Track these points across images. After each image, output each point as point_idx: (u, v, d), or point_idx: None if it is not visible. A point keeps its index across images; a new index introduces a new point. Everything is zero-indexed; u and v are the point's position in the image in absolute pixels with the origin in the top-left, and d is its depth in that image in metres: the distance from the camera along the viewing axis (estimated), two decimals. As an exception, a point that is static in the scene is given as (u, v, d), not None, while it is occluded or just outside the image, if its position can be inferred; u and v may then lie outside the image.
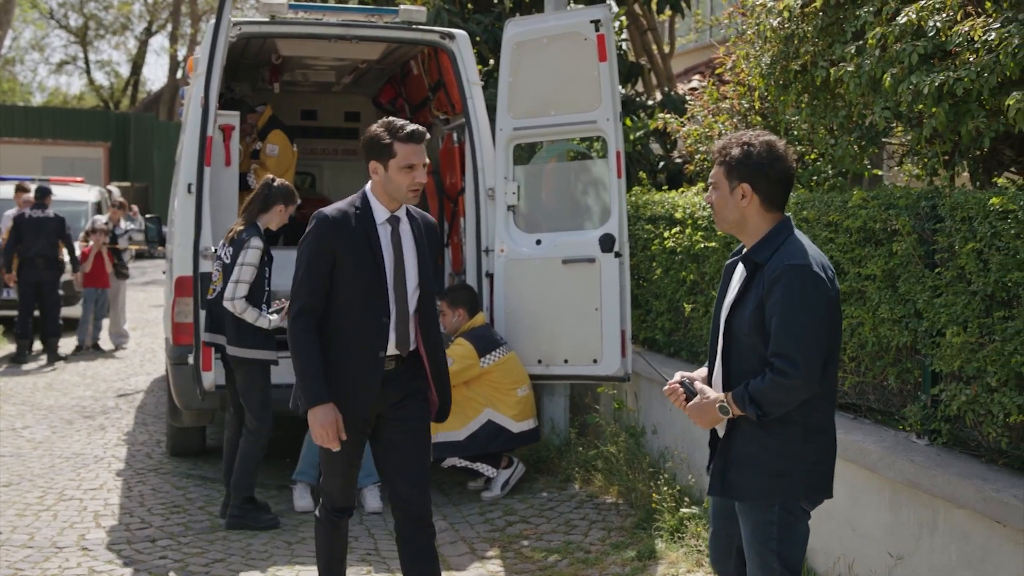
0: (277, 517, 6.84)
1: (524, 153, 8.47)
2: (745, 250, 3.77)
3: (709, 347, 3.90)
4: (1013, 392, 4.27)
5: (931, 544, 4.65)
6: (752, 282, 3.67)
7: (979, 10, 4.68)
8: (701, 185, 7.53)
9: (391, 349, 4.57)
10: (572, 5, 10.40)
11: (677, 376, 3.87)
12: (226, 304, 6.59)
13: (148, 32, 52.27)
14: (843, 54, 5.34)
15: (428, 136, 4.56)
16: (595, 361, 7.51)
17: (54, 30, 54.40)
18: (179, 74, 48.30)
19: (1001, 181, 5.06)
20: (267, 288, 6.75)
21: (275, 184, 6.81)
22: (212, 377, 6.93)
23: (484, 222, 7.92)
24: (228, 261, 6.66)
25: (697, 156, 7.51)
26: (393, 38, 8.36)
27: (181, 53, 49.17)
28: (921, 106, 4.83)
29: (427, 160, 4.52)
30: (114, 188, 23.58)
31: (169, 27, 50.54)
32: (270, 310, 6.71)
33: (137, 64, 53.67)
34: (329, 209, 4.53)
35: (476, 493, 7.54)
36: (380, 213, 4.56)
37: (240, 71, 9.84)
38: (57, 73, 54.06)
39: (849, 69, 5.15)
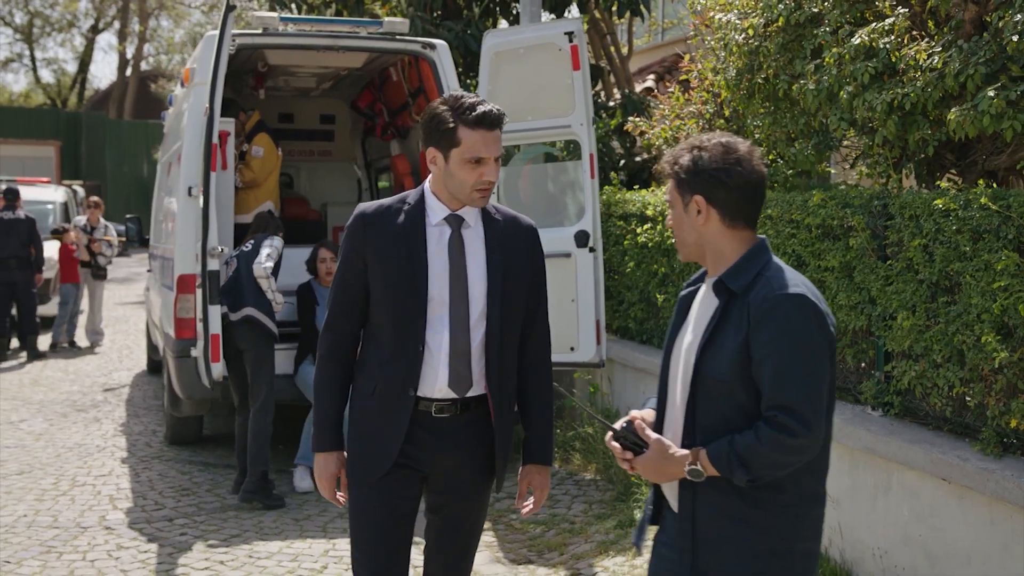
0: (283, 497, 7.38)
1: (503, 156, 9.03)
2: (711, 277, 3.07)
3: (658, 391, 3.16)
4: (955, 367, 4.91)
5: (886, 503, 5.28)
6: (727, 316, 2.93)
7: (923, 33, 5.33)
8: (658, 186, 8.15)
9: (438, 390, 3.52)
10: (544, 15, 10.98)
11: (619, 423, 3.10)
12: (255, 268, 7.48)
13: (95, 29, 52.08)
14: (803, 69, 5.96)
15: (506, 120, 3.53)
16: (572, 349, 8.05)
17: (-1, 28, 54.15)
18: (128, 73, 48.30)
19: (943, 184, 5.69)
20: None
21: (267, 211, 7.66)
22: (220, 368, 7.43)
23: (465, 220, 8.45)
24: (248, 249, 7.47)
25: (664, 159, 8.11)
26: (377, 48, 8.89)
27: (129, 51, 49.18)
28: (873, 116, 5.46)
29: (502, 151, 3.54)
30: (79, 188, 23.79)
31: (117, 24, 50.52)
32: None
33: (84, 62, 53.47)
34: (369, 203, 3.66)
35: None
36: (436, 211, 3.55)
37: (228, 78, 10.30)
38: (2, 71, 53.56)
39: (810, 87, 5.77)
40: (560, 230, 8.20)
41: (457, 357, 3.51)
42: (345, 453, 3.65)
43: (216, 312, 7.32)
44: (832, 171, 7.85)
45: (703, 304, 3.08)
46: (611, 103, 12.51)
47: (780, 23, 6.15)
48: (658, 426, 3.12)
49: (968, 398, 4.93)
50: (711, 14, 6.87)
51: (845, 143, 6.94)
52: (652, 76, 17.22)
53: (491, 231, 3.58)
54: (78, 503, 7.30)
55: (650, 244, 7.82)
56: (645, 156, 11.04)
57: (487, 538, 6.70)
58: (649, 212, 7.84)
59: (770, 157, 7.26)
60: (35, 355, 13.83)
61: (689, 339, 3.04)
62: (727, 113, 7.24)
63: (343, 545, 6.47)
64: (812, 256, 5.89)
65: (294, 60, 9.64)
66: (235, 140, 8.73)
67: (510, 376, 3.63)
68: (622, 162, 11.42)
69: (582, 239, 7.99)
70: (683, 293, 3.22)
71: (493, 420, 3.58)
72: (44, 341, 14.85)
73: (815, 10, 5.96)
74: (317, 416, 3.66)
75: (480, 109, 3.43)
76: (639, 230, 7.89)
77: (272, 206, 9.29)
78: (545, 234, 8.12)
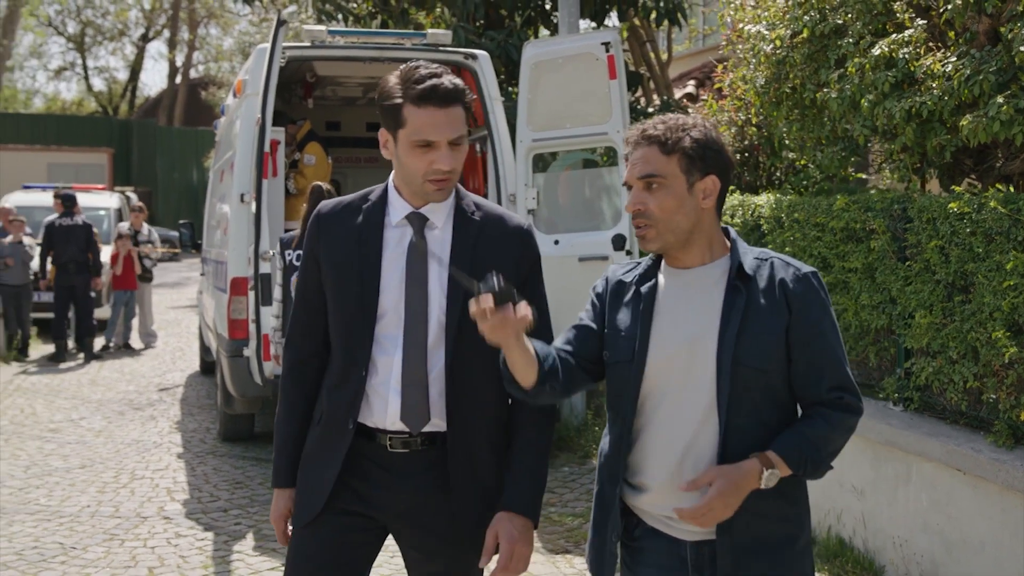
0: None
1: (542, 162, 9.33)
2: (686, 265, 2.79)
3: (623, 405, 2.79)
4: (970, 363, 5.15)
5: (906, 493, 5.52)
6: (752, 302, 2.70)
7: (939, 44, 5.57)
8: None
9: (390, 422, 2.93)
10: (581, 23, 11.27)
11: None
12: None
13: (145, 38, 52.97)
14: (827, 79, 6.21)
15: (469, 97, 2.92)
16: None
17: (52, 37, 55.11)
18: (178, 81, 49.05)
19: (957, 188, 5.93)
20: None
21: (325, 189, 7.65)
22: (271, 367, 7.78)
23: (506, 225, 8.76)
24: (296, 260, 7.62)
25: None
26: (421, 59, 9.21)
27: (179, 59, 50.00)
28: (893, 123, 5.71)
29: (461, 133, 2.88)
30: (132, 194, 24.36)
31: (167, 33, 51.36)
32: None
33: (135, 70, 54.36)
34: (328, 201, 3.13)
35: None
36: (397, 210, 2.97)
37: (278, 88, 10.70)
38: (55, 79, 54.63)
39: (832, 95, 6.03)
40: (597, 234, 8.48)
41: (411, 385, 2.90)
42: None
43: (267, 313, 7.67)
44: (863, 175, 8.08)
45: (680, 295, 2.77)
46: (650, 109, 12.78)
47: (806, 34, 6.40)
48: (622, 444, 2.78)
49: (982, 393, 5.16)
50: (741, 25, 7.13)
51: (874, 148, 7.17)
52: (693, 82, 17.45)
53: (463, 233, 2.96)
54: (137, 495, 7.67)
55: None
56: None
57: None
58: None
59: (801, 162, 7.52)
60: (92, 356, 14.29)
61: (686, 335, 2.72)
62: (755, 120, 7.50)
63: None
64: (836, 258, 6.13)
65: (341, 71, 9.99)
66: (286, 149, 9.08)
67: (488, 411, 3.00)
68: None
69: (619, 242, 8.26)
70: (644, 288, 2.81)
71: (449, 464, 2.93)
72: (98, 344, 15.31)
73: (839, 22, 6.22)
74: (275, 446, 3.13)
75: (429, 82, 2.82)
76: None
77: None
78: (583, 237, 8.55)
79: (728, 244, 2.81)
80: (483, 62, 8.97)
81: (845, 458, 5.95)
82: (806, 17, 6.36)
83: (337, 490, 2.96)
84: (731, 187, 7.78)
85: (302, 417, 3.09)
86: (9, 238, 14.88)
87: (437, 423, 2.94)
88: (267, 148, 7.86)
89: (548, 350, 2.82)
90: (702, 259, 2.78)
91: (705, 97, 8.97)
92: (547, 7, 13.00)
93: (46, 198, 16.83)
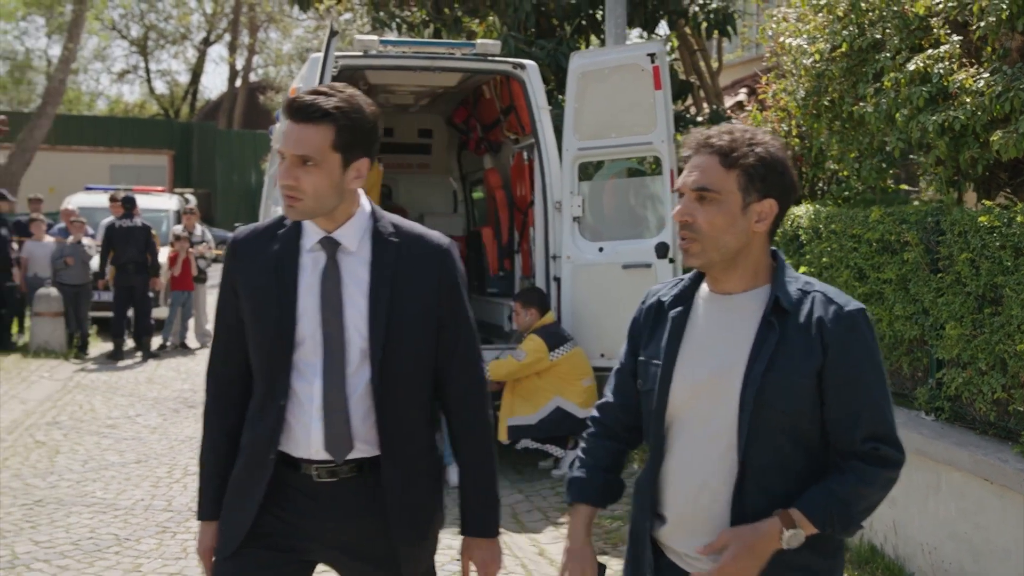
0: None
1: (588, 170, 9.48)
2: (726, 291, 2.66)
3: (653, 430, 2.70)
4: (998, 374, 5.24)
5: (935, 502, 5.61)
6: (786, 338, 2.55)
7: (973, 60, 5.67)
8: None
9: (314, 451, 2.87)
10: (628, 31, 11.42)
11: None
12: None
13: (206, 42, 53.75)
14: (865, 92, 6.31)
15: (338, 122, 2.75)
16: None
17: (116, 40, 56.10)
18: (238, 84, 49.64)
19: (988, 203, 6.00)
20: None
21: None
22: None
23: (552, 231, 8.94)
24: None
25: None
26: (470, 68, 9.43)
27: (239, 62, 50.71)
28: (927, 137, 5.81)
29: (308, 154, 2.73)
30: (191, 196, 24.81)
31: (227, 37, 52.07)
32: None
33: (196, 73, 55.15)
34: (244, 227, 3.08)
35: (546, 471, 8.55)
36: (310, 234, 2.91)
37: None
38: (118, 82, 55.60)
39: (869, 109, 6.13)
40: (641, 242, 8.62)
41: (332, 412, 2.85)
42: None
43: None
44: (905, 187, 8.16)
45: (714, 322, 2.65)
46: (699, 118, 12.89)
47: (844, 48, 6.51)
48: (652, 473, 2.70)
49: (1010, 403, 5.25)
50: (782, 39, 7.25)
51: (913, 160, 7.25)
52: (744, 90, 17.50)
53: (380, 255, 2.89)
54: (190, 490, 7.92)
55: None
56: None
57: (565, 530, 7.13)
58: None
59: (843, 173, 7.61)
60: (149, 355, 14.65)
61: (713, 366, 2.60)
62: (795, 132, 7.61)
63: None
64: (871, 269, 6.23)
65: (393, 79, 10.21)
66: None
67: (417, 432, 2.96)
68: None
69: (662, 250, 8.39)
70: (675, 311, 2.69)
71: (384, 487, 2.89)
72: (155, 343, 15.66)
73: (877, 37, 6.32)
74: (199, 477, 3.08)
75: (298, 97, 2.79)
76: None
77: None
78: (627, 245, 8.70)
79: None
80: (531, 72, 9.14)
81: (877, 466, 6.07)
82: (845, 32, 6.47)
83: (263, 522, 2.90)
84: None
85: (227, 447, 3.00)
86: (70, 238, 15.30)
87: (363, 448, 2.89)
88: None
89: (611, 478, 2.88)
90: (744, 285, 2.63)
91: (749, 108, 9.07)
92: (597, 16, 13.15)
93: (106, 199, 17.22)
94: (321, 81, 8.08)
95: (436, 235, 3.00)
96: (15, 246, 15.65)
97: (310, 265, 2.89)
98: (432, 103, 11.78)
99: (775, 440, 2.53)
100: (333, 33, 7.99)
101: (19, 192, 23.18)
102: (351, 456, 2.88)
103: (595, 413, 2.93)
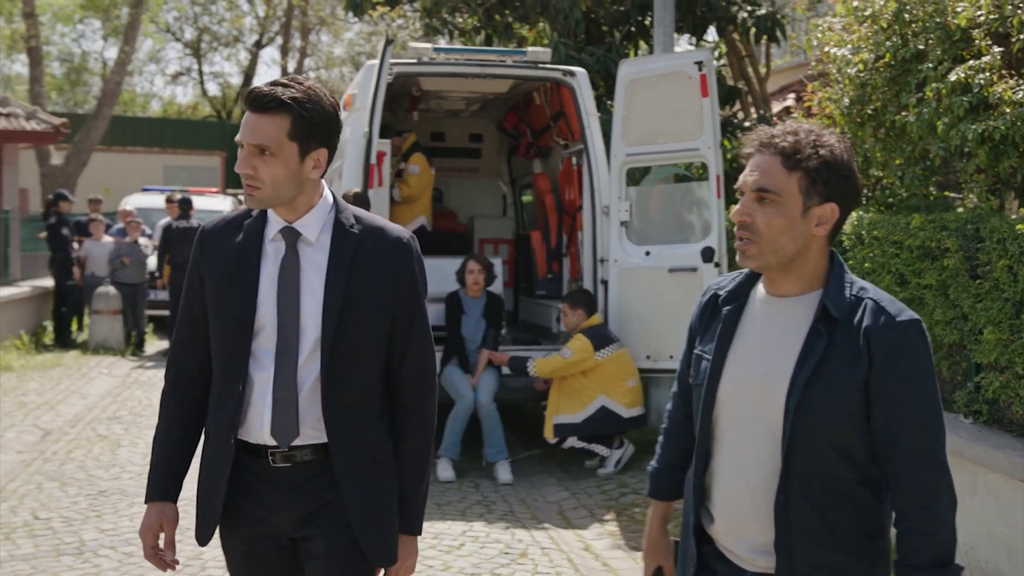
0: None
1: (636, 175, 9.66)
2: (780, 293, 2.64)
3: (699, 430, 2.72)
4: (1035, 378, 5.39)
5: (972, 503, 5.74)
6: (834, 346, 2.51)
7: (1013, 72, 5.80)
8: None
9: (265, 437, 2.94)
10: (677, 37, 11.58)
11: None
12: None
13: (259, 44, 54.22)
14: (907, 102, 6.46)
15: (286, 106, 2.81)
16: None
17: (170, 43, 56.75)
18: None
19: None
20: None
21: (352, 194, 7.93)
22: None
23: (599, 235, 9.14)
24: None
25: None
26: (521, 75, 9.65)
27: (291, 65, 51.17)
28: (967, 145, 5.95)
29: (263, 143, 2.81)
30: (243, 197, 25.17)
31: (279, 40, 52.60)
32: None
33: (248, 75, 55.69)
34: (212, 219, 3.15)
35: (592, 470, 8.74)
36: (273, 224, 2.98)
37: (384, 102, 11.21)
38: (172, 84, 56.33)
39: (910, 119, 6.28)
40: (687, 246, 8.79)
41: (281, 399, 2.91)
42: (175, 506, 3.14)
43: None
44: (949, 194, 8.27)
45: (767, 324, 2.64)
46: (747, 123, 13.01)
47: (888, 59, 6.65)
48: (700, 474, 2.72)
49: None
50: (827, 48, 7.40)
51: (955, 167, 7.38)
52: (792, 95, 17.57)
53: (340, 247, 2.95)
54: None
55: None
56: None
57: (610, 527, 7.32)
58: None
59: (887, 180, 7.74)
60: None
61: (762, 369, 2.60)
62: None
63: (480, 527, 7.19)
64: (912, 274, 6.37)
65: (446, 86, 10.45)
66: (392, 159, 9.56)
67: (368, 419, 2.99)
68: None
69: (708, 255, 8.55)
70: (728, 308, 2.70)
71: (337, 475, 2.93)
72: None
73: (920, 47, 6.46)
74: (150, 462, 3.17)
75: (255, 87, 2.85)
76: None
77: (426, 220, 10.11)
78: (673, 249, 8.88)
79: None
80: (581, 79, 9.34)
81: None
82: (888, 43, 6.61)
83: (232, 513, 3.01)
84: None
85: (180, 434, 3.09)
86: (127, 239, 15.68)
87: (312, 435, 2.94)
88: (373, 160, 8.32)
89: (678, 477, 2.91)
90: (799, 288, 2.60)
91: (795, 115, 9.21)
92: (646, 22, 13.31)
93: (162, 200, 17.62)
94: (376, 89, 8.33)
95: (397, 229, 3.04)
96: (75, 245, 16.09)
97: (272, 254, 2.95)
98: (483, 108, 12.00)
99: (819, 449, 2.51)
100: (388, 42, 8.25)
101: (75, 192, 23.65)
102: (307, 442, 2.94)
103: (668, 405, 3.01)
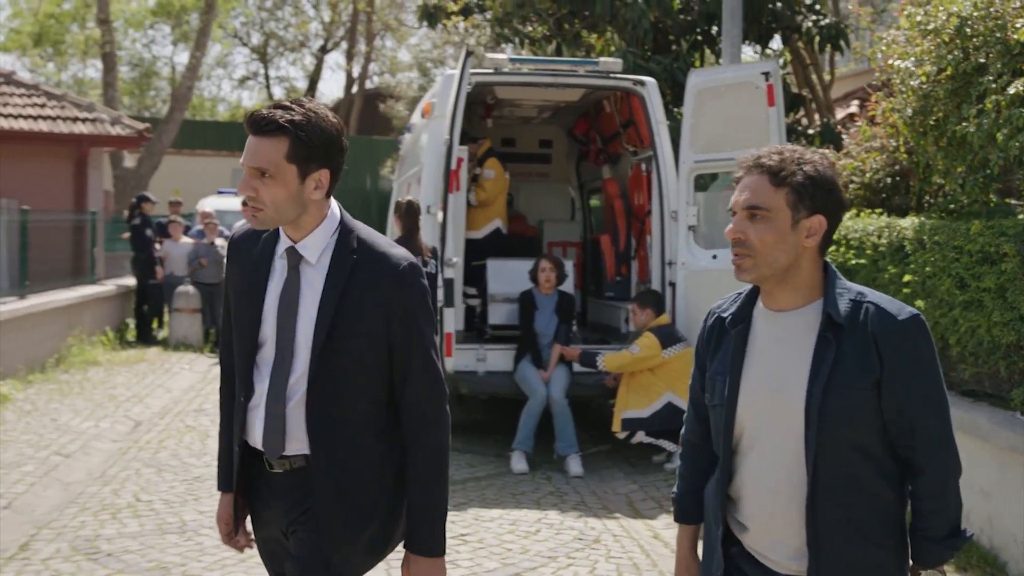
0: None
1: (703, 181, 9.99)
2: (778, 308, 2.77)
3: (722, 444, 2.82)
4: (1088, 377, 5.67)
5: (1028, 496, 6.04)
6: (836, 352, 2.64)
7: (1070, 86, 6.09)
8: (854, 210, 8.95)
9: (260, 444, 3.06)
10: (749, 45, 11.89)
11: None
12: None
13: (324, 49, 54.97)
14: (968, 113, 6.75)
15: (284, 129, 2.87)
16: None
17: (237, 48, 57.69)
18: (354, 91, 50.89)
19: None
20: None
21: (405, 202, 8.47)
22: (453, 362, 8.65)
23: (667, 239, 9.49)
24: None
25: (851, 186, 8.96)
26: (593, 85, 10.04)
27: (356, 70, 51.88)
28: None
29: (262, 165, 2.88)
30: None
31: (344, 45, 53.29)
32: None
33: (313, 80, 56.48)
34: (243, 227, 3.21)
35: (659, 465, 9.09)
36: (282, 242, 3.05)
37: (462, 110, 11.70)
38: (239, 88, 57.31)
39: (971, 129, 6.58)
40: (752, 249, 9.10)
41: (271, 411, 3.01)
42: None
43: (450, 315, 8.56)
44: (1010, 201, 8.53)
45: (773, 339, 2.77)
46: (811, 131, 13.29)
47: (950, 71, 6.95)
48: (723, 486, 2.83)
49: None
50: (891, 60, 7.70)
51: (1016, 176, 7.64)
52: (855, 102, 17.77)
53: (336, 269, 2.99)
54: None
55: (848, 264, 8.66)
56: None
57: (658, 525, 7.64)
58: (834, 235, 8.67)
59: (949, 187, 8.03)
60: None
61: (775, 383, 2.72)
62: (903, 148, 8.05)
63: (554, 515, 7.57)
64: (972, 278, 6.67)
65: (519, 94, 10.86)
66: (467, 164, 9.98)
67: (357, 442, 3.02)
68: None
69: (772, 259, 8.86)
70: (736, 329, 2.81)
71: (315, 486, 3.01)
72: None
73: (981, 61, 6.75)
74: (218, 452, 3.34)
75: (255, 111, 2.93)
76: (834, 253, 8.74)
77: (501, 223, 10.52)
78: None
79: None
80: (650, 88, 9.70)
81: (974, 462, 6.50)
82: (950, 56, 6.91)
83: (255, 517, 3.21)
84: (878, 210, 8.34)
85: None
86: (204, 240, 16.25)
87: (300, 447, 3.01)
88: (453, 166, 8.75)
89: (697, 503, 3.04)
90: (796, 301, 2.74)
91: (859, 124, 9.50)
92: (713, 32, 13.63)
93: (238, 203, 18.14)
94: (456, 99, 8.75)
95: (398, 255, 3.03)
96: (157, 246, 16.68)
97: (279, 272, 3.03)
98: (553, 115, 12.39)
99: (843, 454, 2.64)
100: (469, 53, 8.66)
101: (146, 195, 24.30)
102: (297, 452, 3.02)
103: (683, 431, 3.13)
